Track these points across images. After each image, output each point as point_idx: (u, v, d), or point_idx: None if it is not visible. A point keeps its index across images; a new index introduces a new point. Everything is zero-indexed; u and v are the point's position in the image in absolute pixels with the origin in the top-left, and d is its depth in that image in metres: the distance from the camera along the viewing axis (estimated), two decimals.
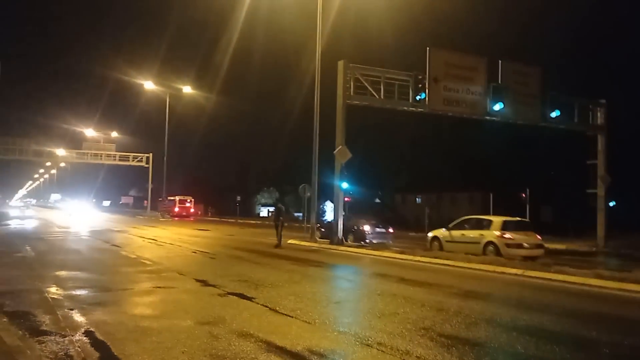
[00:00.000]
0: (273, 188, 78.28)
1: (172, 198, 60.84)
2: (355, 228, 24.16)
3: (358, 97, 22.31)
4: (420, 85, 22.45)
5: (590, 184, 28.59)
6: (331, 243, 21.71)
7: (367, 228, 24.30)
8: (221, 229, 34.81)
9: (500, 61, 24.45)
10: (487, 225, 18.46)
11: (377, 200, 69.52)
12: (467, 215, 21.93)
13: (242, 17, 29.01)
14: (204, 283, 10.40)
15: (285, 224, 21.94)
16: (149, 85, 51.78)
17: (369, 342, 6.13)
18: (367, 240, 23.08)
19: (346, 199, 24.59)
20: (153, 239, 23.07)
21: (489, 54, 24.73)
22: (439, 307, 8.37)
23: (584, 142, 28.97)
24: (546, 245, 29.41)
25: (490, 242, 17.72)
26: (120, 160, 61.88)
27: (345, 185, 22.69)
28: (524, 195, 33.01)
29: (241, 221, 52.61)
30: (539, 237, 18.70)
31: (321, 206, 65.09)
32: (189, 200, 61.59)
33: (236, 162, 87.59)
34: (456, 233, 19.31)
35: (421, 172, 63.43)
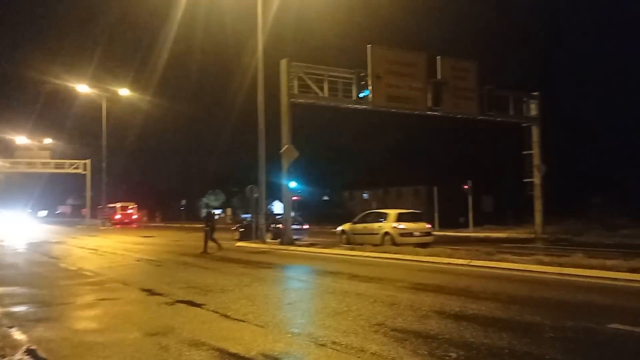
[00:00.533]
0: (219, 190, 77.26)
1: (113, 205, 59.05)
2: (273, 227, 25.08)
3: (302, 96, 22.32)
4: (363, 83, 22.70)
5: (527, 173, 29.70)
6: (281, 243, 21.62)
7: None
8: (167, 235, 34.06)
9: (438, 57, 25.03)
10: (384, 217, 20.68)
11: (325, 198, 69.88)
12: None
13: (180, 16, 28.38)
14: (151, 292, 10.11)
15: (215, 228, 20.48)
16: (83, 88, 49.93)
17: (323, 341, 6.11)
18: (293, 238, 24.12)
19: (294, 198, 24.59)
20: (94, 249, 22.28)
21: (428, 51, 25.29)
22: (390, 302, 8.46)
23: (520, 133, 30.08)
24: (488, 234, 30.46)
25: (387, 232, 19.85)
26: (56, 167, 59.45)
27: (293, 184, 22.66)
28: (466, 186, 33.95)
29: (187, 226, 51.64)
30: (428, 226, 21.27)
31: (269, 206, 64.83)
32: (130, 207, 59.95)
33: (180, 165, 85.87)
34: (360, 226, 21.46)
35: (368, 168, 64.18)
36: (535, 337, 6.22)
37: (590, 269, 11.47)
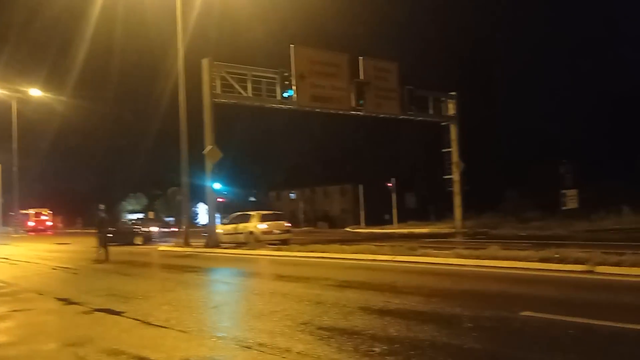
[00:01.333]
0: (140, 193, 74.87)
1: (25, 212, 55.82)
2: (143, 231, 26.37)
3: (225, 96, 22.04)
4: (287, 83, 22.73)
5: (447, 170, 30.86)
6: (206, 246, 21.26)
7: (154, 229, 26.74)
8: (84, 242, 32.51)
9: (361, 58, 25.48)
10: (250, 218, 22.92)
11: (252, 199, 69.37)
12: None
13: (97, 14, 27.21)
14: (67, 301, 9.62)
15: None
16: None
17: (249, 344, 6.05)
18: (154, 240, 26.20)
19: (220, 199, 24.24)
20: (6, 258, 20.94)
21: (351, 52, 25.69)
22: (317, 301, 8.51)
23: (440, 131, 31.21)
24: (412, 230, 31.33)
25: (251, 232, 22.09)
26: None
27: (217, 185, 22.34)
28: (390, 184, 34.81)
29: None
30: (287, 224, 23.70)
31: (194, 209, 63.54)
32: (45, 213, 56.93)
33: (100, 168, 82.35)
34: (230, 227, 23.41)
35: (294, 168, 64.27)
36: (455, 328, 6.45)
37: (505, 260, 12.05)
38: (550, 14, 60.76)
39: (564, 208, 31.17)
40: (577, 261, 10.95)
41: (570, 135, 47.55)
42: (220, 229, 23.48)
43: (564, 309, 7.31)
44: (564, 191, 31.80)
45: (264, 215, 23.09)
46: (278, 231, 22.15)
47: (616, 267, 10.23)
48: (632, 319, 6.45)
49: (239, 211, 25.01)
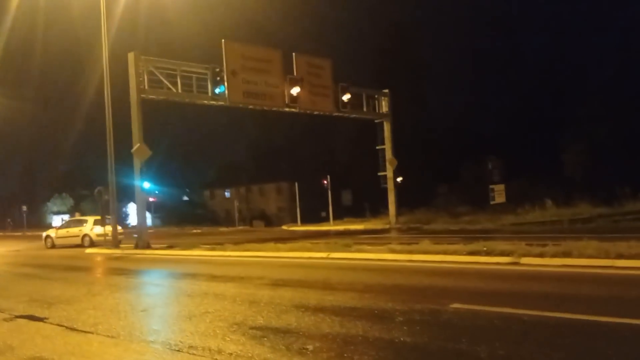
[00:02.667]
0: (66, 194, 71.73)
1: None
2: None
3: (154, 92, 21.42)
4: (219, 79, 22.35)
5: (381, 167, 31.41)
6: (136, 247, 20.62)
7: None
8: (4, 245, 30.89)
9: (294, 54, 25.44)
10: (84, 223, 26.94)
11: (185, 198, 68.00)
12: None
13: (16, 4, 25.71)
14: None
15: None
16: None
17: (180, 347, 5.89)
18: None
19: (151, 199, 23.57)
20: None
21: (284, 48, 25.61)
22: (250, 300, 8.41)
23: (374, 128, 31.70)
24: (348, 226, 31.66)
25: (86, 235, 25.94)
26: None
27: (147, 185, 21.70)
28: (325, 182, 35.03)
29: (29, 234, 47.31)
30: (119, 228, 24.75)
31: (124, 209, 61.52)
32: None
33: (19, 167, 78.15)
34: (63, 231, 27.27)
35: (229, 166, 63.51)
36: (387, 322, 6.54)
37: (435, 254, 12.40)
38: (475, 12, 63.03)
39: (492, 202, 32.45)
40: (503, 253, 11.41)
41: (498, 131, 49.58)
42: (52, 232, 27.67)
43: (490, 299, 7.58)
44: (492, 186, 33.08)
45: (96, 220, 25.87)
46: (109, 235, 23.25)
47: (539, 258, 10.73)
48: (553, 307, 6.77)
49: (71, 219, 29.86)
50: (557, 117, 48.75)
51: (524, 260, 10.88)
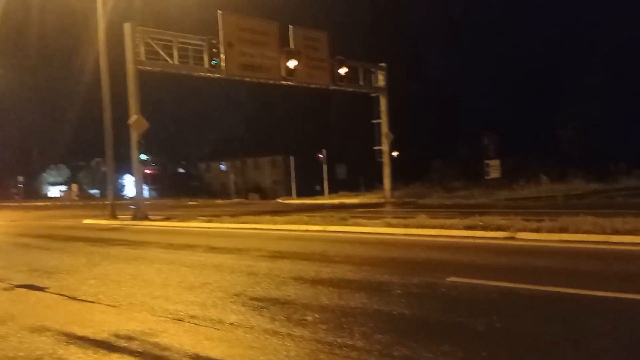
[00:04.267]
0: (62, 165, 71.51)
1: None
2: None
3: (150, 63, 21.23)
4: (215, 50, 22.15)
5: (377, 141, 31.39)
6: (134, 219, 20.69)
7: None
8: (1, 215, 30.90)
9: (291, 26, 25.17)
10: None
11: (181, 170, 67.94)
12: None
13: None
14: None
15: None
16: None
17: (181, 316, 5.97)
18: None
19: (148, 171, 23.57)
20: None
21: (281, 21, 25.31)
22: (249, 272, 8.50)
23: (370, 103, 31.58)
24: (343, 200, 31.76)
25: None
26: None
27: (144, 157, 21.64)
28: (320, 155, 35.02)
29: (26, 204, 47.30)
30: None
31: (121, 180, 61.43)
32: None
33: (16, 138, 77.64)
34: None
35: (224, 139, 63.29)
36: (385, 294, 6.63)
37: (432, 228, 12.50)
38: None
39: (487, 178, 32.57)
40: (499, 228, 11.52)
41: (494, 106, 49.53)
42: None
43: (487, 273, 7.68)
44: (487, 161, 33.16)
45: None
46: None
47: (535, 233, 10.85)
48: (550, 282, 6.87)
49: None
50: (553, 92, 48.66)
51: (520, 235, 10.99)
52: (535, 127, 47.40)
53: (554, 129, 47.40)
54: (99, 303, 6.83)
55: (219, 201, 41.27)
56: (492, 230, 11.55)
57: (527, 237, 10.82)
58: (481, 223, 12.08)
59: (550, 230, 10.80)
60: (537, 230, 10.96)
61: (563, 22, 58.02)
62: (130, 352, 4.82)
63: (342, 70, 27.27)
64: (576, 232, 10.51)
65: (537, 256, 9.28)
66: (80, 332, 5.52)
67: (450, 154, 47.17)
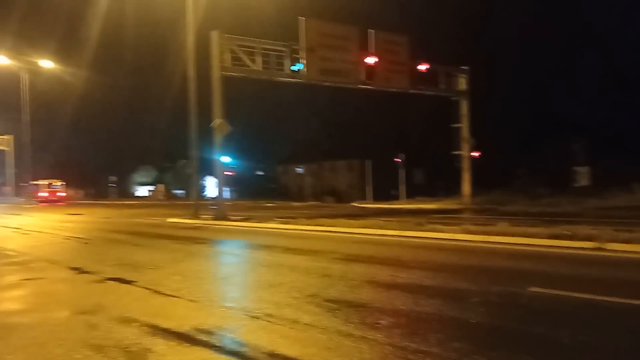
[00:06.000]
0: (151, 166, 75.26)
1: (37, 182, 56.37)
2: None
3: (234, 69, 21.93)
4: (296, 56, 22.54)
5: (456, 145, 30.68)
6: (215, 219, 21.41)
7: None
8: (96, 213, 32.93)
9: (371, 31, 25.16)
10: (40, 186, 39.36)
11: (259, 173, 69.53)
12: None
13: None
14: (79, 270, 9.77)
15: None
16: (2, 60, 46.95)
17: (257, 314, 6.12)
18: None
19: (228, 173, 24.34)
20: (18, 228, 21.22)
21: (360, 24, 25.36)
22: (324, 273, 8.57)
23: (450, 106, 30.92)
24: (419, 205, 31.27)
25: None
26: None
27: (226, 159, 22.37)
28: (398, 160, 34.69)
29: (118, 202, 50.13)
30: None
31: (203, 181, 63.83)
32: (58, 184, 57.40)
33: (110, 140, 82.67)
34: None
35: (302, 143, 64.12)
36: (462, 302, 6.49)
37: (513, 236, 12.05)
38: None
39: (575, 185, 30.97)
40: (586, 238, 10.93)
41: (584, 110, 47.01)
42: None
43: (572, 285, 7.32)
44: (575, 168, 31.51)
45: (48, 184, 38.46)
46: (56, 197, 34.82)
47: (626, 244, 10.21)
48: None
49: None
50: None
51: (610, 245, 10.38)
52: (629, 131, 44.53)
53: None
54: (182, 298, 7.14)
55: (295, 203, 41.83)
56: (579, 239, 10.98)
57: (617, 248, 10.20)
58: (567, 232, 11.51)
59: None
60: (628, 241, 10.31)
61: None
62: (210, 346, 5.01)
63: (423, 74, 26.93)
64: None
65: (628, 268, 8.74)
66: (164, 324, 5.80)
67: (535, 159, 45.19)
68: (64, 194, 57.71)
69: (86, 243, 15.17)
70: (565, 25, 52.67)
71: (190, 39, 22.75)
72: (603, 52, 50.22)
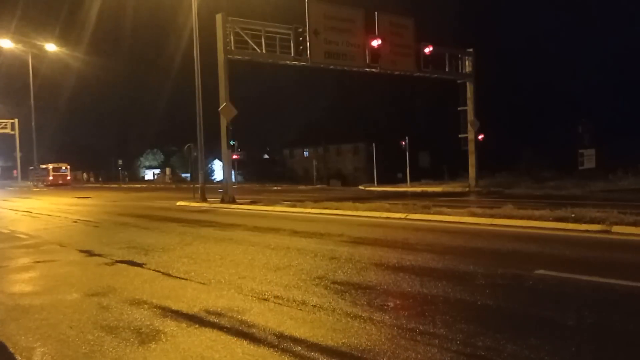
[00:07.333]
0: (157, 149, 75.41)
1: (45, 166, 56.67)
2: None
3: (239, 52, 21.85)
4: (301, 39, 22.44)
5: (462, 128, 30.57)
6: (222, 202, 21.52)
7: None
8: (104, 196, 33.13)
9: (376, 13, 24.95)
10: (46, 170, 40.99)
11: (266, 156, 69.60)
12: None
13: None
14: (89, 253, 9.90)
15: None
16: (6, 43, 46.93)
17: (266, 296, 6.21)
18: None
19: (234, 156, 24.39)
20: (27, 211, 21.43)
21: (364, 6, 25.13)
22: (331, 256, 8.65)
23: (455, 89, 30.76)
24: (425, 188, 31.32)
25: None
26: None
27: (232, 142, 22.40)
28: (403, 143, 34.60)
29: (125, 186, 50.37)
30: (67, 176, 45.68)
31: (210, 165, 63.99)
32: (64, 168, 57.69)
33: (116, 124, 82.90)
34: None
35: (308, 126, 64.05)
36: (468, 284, 6.55)
37: (519, 219, 12.08)
38: None
39: (581, 168, 30.87)
40: (593, 221, 10.95)
41: (589, 93, 46.68)
42: None
43: (578, 267, 7.37)
44: (581, 150, 31.39)
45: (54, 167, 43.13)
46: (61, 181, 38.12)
47: (633, 227, 10.22)
48: None
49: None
50: None
51: (616, 228, 10.40)
52: (635, 114, 44.21)
53: None
54: (191, 280, 7.24)
55: (302, 187, 41.88)
56: (585, 222, 10.99)
57: (624, 231, 10.22)
58: (573, 215, 11.52)
59: None
60: (635, 224, 10.31)
61: None
62: (220, 328, 5.10)
63: (428, 57, 26.75)
64: None
65: (634, 251, 8.77)
66: (174, 306, 5.90)
67: (540, 142, 45.04)
68: (70, 177, 58.03)
69: (95, 226, 15.32)
70: (572, 6, 52.06)
71: (194, 21, 22.68)
72: (610, 34, 49.67)
